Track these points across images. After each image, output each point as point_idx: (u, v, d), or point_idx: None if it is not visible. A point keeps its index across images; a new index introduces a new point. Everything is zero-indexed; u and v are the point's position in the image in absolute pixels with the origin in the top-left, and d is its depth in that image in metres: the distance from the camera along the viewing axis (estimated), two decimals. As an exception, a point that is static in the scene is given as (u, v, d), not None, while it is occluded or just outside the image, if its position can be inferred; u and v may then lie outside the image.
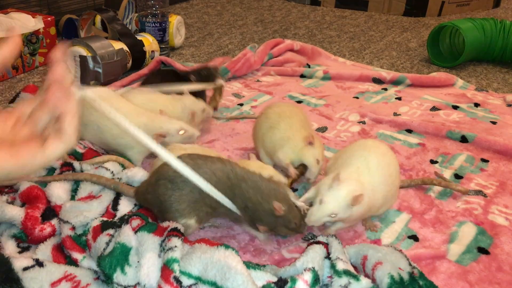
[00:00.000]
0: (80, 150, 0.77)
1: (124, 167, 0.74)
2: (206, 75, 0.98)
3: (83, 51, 1.07)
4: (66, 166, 0.71)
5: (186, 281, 0.51)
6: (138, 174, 0.70)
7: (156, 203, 0.62)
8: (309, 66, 1.33)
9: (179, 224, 0.58)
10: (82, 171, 0.71)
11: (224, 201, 0.60)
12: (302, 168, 0.75)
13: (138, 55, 1.22)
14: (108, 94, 0.77)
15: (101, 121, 0.76)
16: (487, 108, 1.11)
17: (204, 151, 0.70)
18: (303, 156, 0.75)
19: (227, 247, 0.52)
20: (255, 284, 0.49)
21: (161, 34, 1.34)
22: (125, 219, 0.60)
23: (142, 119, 0.75)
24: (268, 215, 0.61)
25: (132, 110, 0.77)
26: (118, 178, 0.70)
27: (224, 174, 0.61)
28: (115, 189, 0.66)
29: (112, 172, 0.70)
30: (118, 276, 0.53)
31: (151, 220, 0.61)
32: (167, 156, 0.52)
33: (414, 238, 0.69)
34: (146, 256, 0.54)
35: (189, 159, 0.61)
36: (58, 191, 0.66)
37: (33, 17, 1.21)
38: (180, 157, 0.60)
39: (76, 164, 0.72)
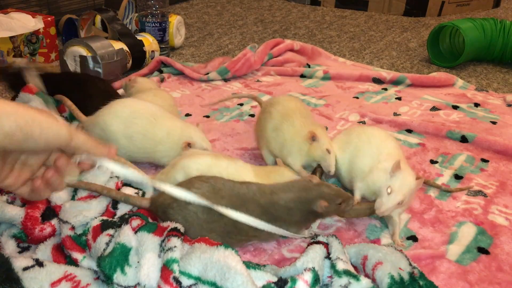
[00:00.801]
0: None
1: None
2: (13, 72, 0.91)
3: (83, 51, 1.07)
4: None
5: (185, 281, 0.51)
6: (138, 176, 0.70)
7: (180, 222, 0.59)
8: (309, 66, 1.33)
9: (178, 224, 0.58)
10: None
11: (255, 222, 0.57)
12: (320, 168, 0.74)
13: (138, 55, 1.22)
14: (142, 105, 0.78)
15: (148, 128, 0.76)
16: (487, 108, 1.11)
17: (217, 156, 0.71)
18: (312, 155, 0.74)
19: (226, 246, 0.52)
20: (255, 284, 0.49)
21: (161, 34, 1.34)
22: (125, 219, 0.60)
23: (178, 123, 0.78)
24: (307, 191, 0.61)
25: (166, 113, 0.79)
26: (116, 177, 0.69)
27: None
28: (125, 201, 0.63)
29: (112, 172, 0.70)
30: (118, 277, 0.53)
31: (151, 220, 0.61)
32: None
33: (414, 238, 0.68)
34: (146, 256, 0.54)
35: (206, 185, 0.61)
36: (58, 192, 0.66)
37: (33, 17, 1.21)
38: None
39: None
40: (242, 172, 0.69)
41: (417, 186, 0.66)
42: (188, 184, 0.61)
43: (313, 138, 0.73)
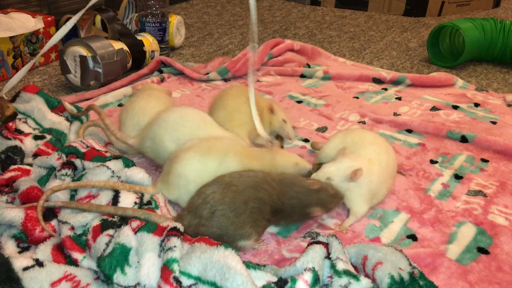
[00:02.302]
0: (82, 150, 0.77)
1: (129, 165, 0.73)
2: None
3: (83, 51, 1.07)
4: (67, 164, 0.71)
5: (185, 281, 0.51)
6: (139, 175, 0.70)
7: (214, 235, 0.59)
8: (309, 66, 1.33)
9: (178, 223, 0.58)
10: (84, 169, 0.71)
11: None
12: (281, 138, 0.86)
13: (138, 55, 1.22)
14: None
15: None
16: (487, 108, 1.11)
17: (205, 153, 0.70)
18: (273, 126, 0.85)
19: (226, 246, 0.52)
20: (255, 284, 0.49)
21: (161, 34, 1.34)
22: (125, 219, 0.60)
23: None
24: (309, 193, 0.65)
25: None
26: (117, 176, 0.69)
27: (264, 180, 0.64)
28: (145, 219, 0.62)
29: (113, 171, 0.70)
30: (118, 277, 0.53)
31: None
32: None
33: (413, 238, 0.69)
34: (146, 256, 0.54)
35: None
36: (57, 192, 0.66)
37: (33, 17, 1.22)
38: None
39: (78, 163, 0.72)
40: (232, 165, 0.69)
41: (354, 175, 0.68)
42: (200, 194, 0.62)
43: (271, 110, 0.83)
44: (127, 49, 1.17)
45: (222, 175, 0.64)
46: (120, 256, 0.54)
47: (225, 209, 0.59)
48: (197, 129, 0.75)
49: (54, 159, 0.72)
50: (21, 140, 0.77)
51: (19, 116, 0.85)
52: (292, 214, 0.65)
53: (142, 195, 0.68)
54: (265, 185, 0.63)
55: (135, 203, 0.66)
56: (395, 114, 1.07)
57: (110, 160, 0.72)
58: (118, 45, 1.14)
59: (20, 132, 0.81)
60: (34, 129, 0.83)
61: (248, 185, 0.62)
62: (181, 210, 0.69)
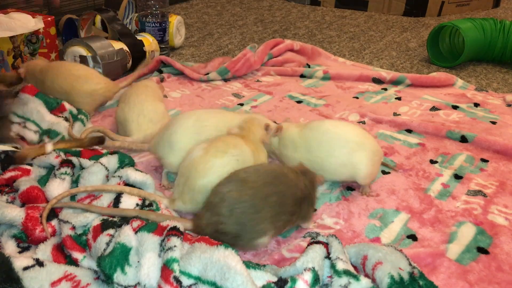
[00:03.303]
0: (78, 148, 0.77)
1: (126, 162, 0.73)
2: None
3: (83, 51, 1.07)
4: (65, 163, 0.71)
5: (186, 281, 0.51)
6: (134, 174, 0.70)
7: (233, 232, 0.59)
8: (309, 66, 1.33)
9: (178, 223, 0.58)
10: (81, 167, 0.71)
11: None
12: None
13: (138, 55, 1.22)
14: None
15: None
16: (487, 108, 1.12)
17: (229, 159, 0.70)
18: None
19: (226, 246, 0.52)
20: (255, 284, 0.49)
21: (161, 34, 1.34)
22: (125, 219, 0.60)
23: (240, 114, 0.82)
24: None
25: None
26: (119, 176, 0.69)
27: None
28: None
29: (108, 169, 0.70)
30: (118, 276, 0.53)
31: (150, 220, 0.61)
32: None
33: (413, 237, 0.69)
34: (146, 256, 0.54)
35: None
36: (57, 192, 0.66)
37: (33, 17, 1.21)
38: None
39: (75, 160, 0.72)
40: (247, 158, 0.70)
41: (274, 131, 0.78)
42: (217, 194, 0.61)
43: None
44: (127, 49, 1.17)
45: (237, 171, 0.64)
46: (120, 256, 0.54)
47: (245, 207, 0.59)
48: (220, 120, 0.77)
49: (53, 157, 0.72)
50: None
51: (18, 120, 0.85)
52: (314, 192, 0.68)
53: (143, 199, 0.68)
54: (282, 177, 0.62)
55: (137, 204, 0.66)
56: (395, 114, 1.07)
57: (106, 156, 0.72)
58: (118, 45, 1.14)
59: (22, 138, 0.81)
60: (35, 131, 0.84)
61: (266, 181, 0.61)
62: (180, 213, 0.70)
